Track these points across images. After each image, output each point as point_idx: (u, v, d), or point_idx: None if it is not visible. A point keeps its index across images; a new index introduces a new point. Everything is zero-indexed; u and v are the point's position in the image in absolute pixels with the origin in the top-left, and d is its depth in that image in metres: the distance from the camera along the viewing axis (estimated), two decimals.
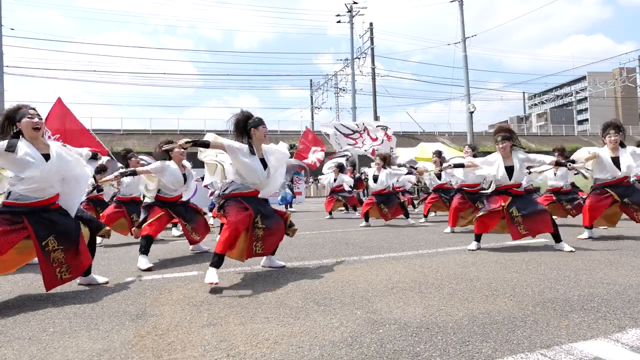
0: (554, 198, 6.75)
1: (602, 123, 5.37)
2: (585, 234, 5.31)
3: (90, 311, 2.70)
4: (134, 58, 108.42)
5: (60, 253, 3.00)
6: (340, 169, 10.14)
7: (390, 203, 7.47)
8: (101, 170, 7.58)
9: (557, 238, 4.45)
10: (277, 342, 2.06)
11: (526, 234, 4.48)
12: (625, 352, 1.82)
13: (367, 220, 7.88)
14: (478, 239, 4.76)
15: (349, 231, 7.03)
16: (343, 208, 9.99)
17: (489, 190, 4.82)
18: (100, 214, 6.23)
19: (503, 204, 4.56)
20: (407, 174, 8.15)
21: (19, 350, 2.08)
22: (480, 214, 4.71)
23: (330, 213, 10.06)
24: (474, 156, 6.38)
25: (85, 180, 3.33)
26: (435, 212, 8.19)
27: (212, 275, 3.14)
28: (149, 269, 3.97)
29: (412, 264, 3.97)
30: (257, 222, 3.48)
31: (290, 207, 12.99)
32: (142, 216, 4.48)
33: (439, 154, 7.74)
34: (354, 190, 10.39)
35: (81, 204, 6.15)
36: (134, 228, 4.55)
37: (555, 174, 6.74)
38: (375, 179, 7.69)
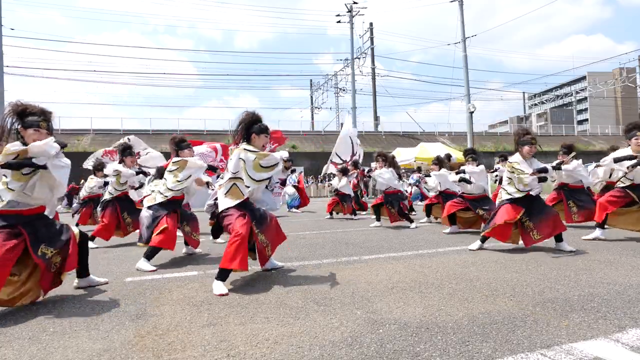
0: (563, 197, 6.34)
1: (627, 123, 5.23)
2: (593, 234, 5.17)
3: (90, 311, 2.70)
4: (134, 58, 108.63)
5: (57, 257, 2.96)
6: (343, 172, 10.07)
7: (396, 204, 7.43)
8: (99, 168, 7.54)
9: (559, 237, 4.43)
10: (277, 342, 2.06)
11: (540, 239, 4.38)
12: (625, 352, 1.82)
13: (378, 220, 7.80)
14: (484, 240, 4.73)
15: (349, 231, 7.03)
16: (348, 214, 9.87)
17: (505, 198, 4.65)
18: (100, 215, 6.06)
19: (518, 217, 4.48)
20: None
21: (19, 350, 2.08)
22: (498, 223, 4.52)
23: (330, 213, 10.03)
24: (477, 164, 6.36)
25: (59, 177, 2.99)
26: (435, 217, 8.09)
27: (220, 288, 3.09)
28: (152, 271, 3.95)
29: (412, 264, 3.97)
30: (257, 232, 3.44)
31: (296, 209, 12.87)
32: (148, 224, 4.33)
33: (439, 160, 7.75)
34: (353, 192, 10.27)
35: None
36: (138, 243, 4.40)
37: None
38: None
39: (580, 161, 5.95)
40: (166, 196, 4.34)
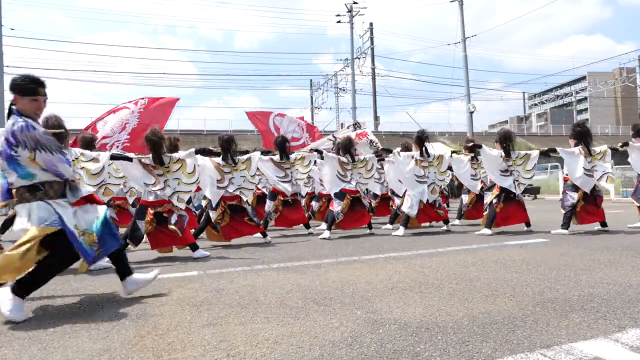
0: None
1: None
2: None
3: (90, 311, 2.70)
4: (134, 58, 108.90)
5: None
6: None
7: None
8: None
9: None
10: (277, 342, 2.06)
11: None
12: (625, 352, 1.82)
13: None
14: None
15: (349, 231, 7.03)
16: None
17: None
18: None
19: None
20: None
21: (19, 350, 2.07)
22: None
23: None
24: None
25: None
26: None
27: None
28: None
29: (412, 264, 3.97)
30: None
31: None
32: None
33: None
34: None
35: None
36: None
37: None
38: None
39: None
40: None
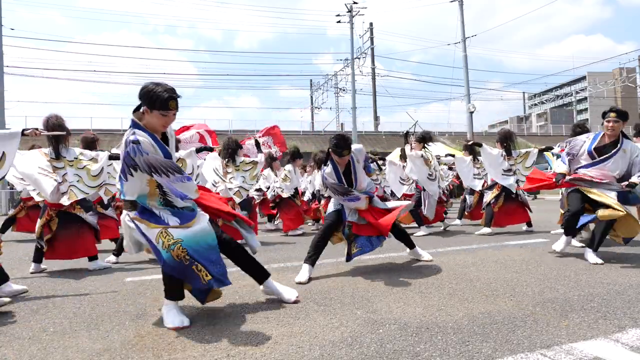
0: None
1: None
2: None
3: (90, 311, 2.70)
4: (134, 58, 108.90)
5: None
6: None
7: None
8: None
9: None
10: (277, 342, 2.06)
11: None
12: (625, 352, 1.82)
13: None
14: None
15: None
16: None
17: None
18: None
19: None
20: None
21: (19, 350, 2.08)
22: None
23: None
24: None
25: None
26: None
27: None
28: None
29: (412, 263, 3.97)
30: None
31: None
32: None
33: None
34: None
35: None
36: None
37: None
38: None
39: None
40: None
